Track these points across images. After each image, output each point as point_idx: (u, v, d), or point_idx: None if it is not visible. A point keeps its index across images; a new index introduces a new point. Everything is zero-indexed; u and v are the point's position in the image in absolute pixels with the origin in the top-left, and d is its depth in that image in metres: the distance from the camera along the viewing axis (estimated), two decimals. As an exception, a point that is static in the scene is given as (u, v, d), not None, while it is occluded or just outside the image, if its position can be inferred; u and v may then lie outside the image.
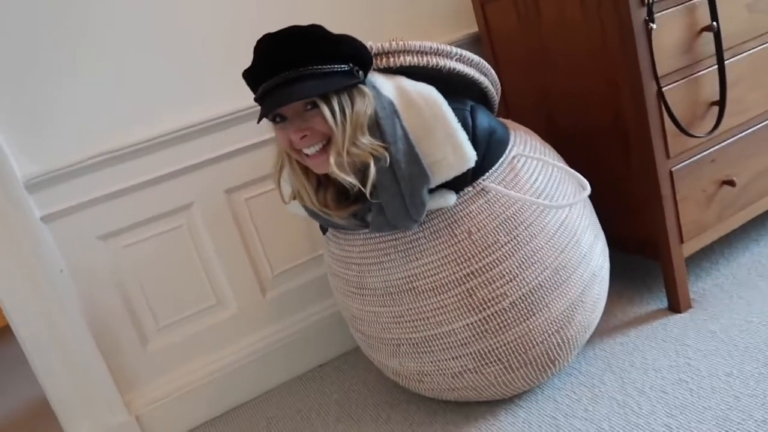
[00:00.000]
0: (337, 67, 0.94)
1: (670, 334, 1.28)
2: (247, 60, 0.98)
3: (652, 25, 1.14)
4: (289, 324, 1.56)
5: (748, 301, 1.32)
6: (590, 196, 1.24)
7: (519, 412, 1.18)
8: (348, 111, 0.95)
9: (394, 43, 1.07)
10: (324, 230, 1.25)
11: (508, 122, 1.27)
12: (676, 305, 1.35)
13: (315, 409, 1.40)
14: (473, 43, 1.62)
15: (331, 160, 0.96)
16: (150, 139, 1.35)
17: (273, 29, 0.95)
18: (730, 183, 1.33)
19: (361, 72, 0.98)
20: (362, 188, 0.99)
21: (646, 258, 1.41)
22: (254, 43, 0.96)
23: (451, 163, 1.00)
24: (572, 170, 1.14)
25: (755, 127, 1.35)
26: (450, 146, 1.00)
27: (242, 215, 1.49)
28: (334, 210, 1.06)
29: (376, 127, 0.98)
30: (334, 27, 0.98)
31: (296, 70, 0.93)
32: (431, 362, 1.12)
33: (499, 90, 1.25)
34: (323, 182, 1.07)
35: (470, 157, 1.01)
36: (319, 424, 1.33)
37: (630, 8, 1.14)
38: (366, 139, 0.97)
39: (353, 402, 1.38)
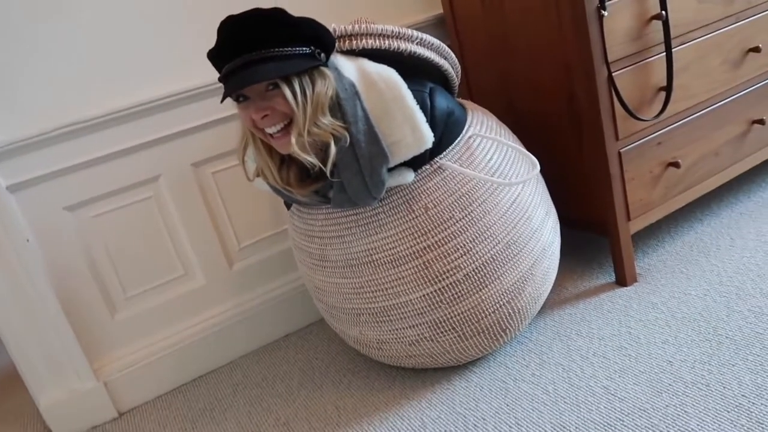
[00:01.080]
0: (298, 50, 0.98)
1: (615, 306, 1.37)
2: (213, 35, 1.00)
3: (603, 12, 1.20)
4: (256, 295, 1.61)
5: (688, 276, 1.41)
6: (544, 176, 1.31)
7: (472, 377, 1.26)
8: (308, 92, 0.99)
9: (356, 26, 1.10)
10: (288, 206, 1.30)
11: (468, 103, 1.32)
12: (622, 279, 1.44)
13: (279, 376, 1.45)
14: (438, 25, 1.66)
15: (293, 140, 1.00)
16: (118, 111, 1.36)
17: (239, 5, 0.98)
18: (676, 165, 1.41)
19: (322, 54, 1.02)
20: (323, 167, 1.03)
21: (596, 235, 1.49)
22: (220, 20, 0.99)
23: (409, 143, 1.05)
24: (524, 150, 1.20)
25: (700, 113, 1.43)
26: (408, 127, 1.04)
27: (209, 188, 1.52)
28: (297, 188, 1.10)
29: (337, 108, 1.02)
30: (300, 6, 1.01)
31: (258, 52, 0.96)
32: (390, 331, 1.18)
33: (460, 72, 1.29)
34: (286, 160, 1.11)
35: (428, 138, 1.06)
36: (283, 390, 1.39)
37: (583, -6, 1.20)
38: (326, 120, 1.01)
39: (316, 369, 1.44)
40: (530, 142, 1.34)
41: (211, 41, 1.01)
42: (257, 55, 0.96)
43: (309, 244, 1.22)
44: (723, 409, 1.00)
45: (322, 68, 1.01)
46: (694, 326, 1.23)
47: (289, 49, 0.97)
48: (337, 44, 1.09)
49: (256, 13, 0.96)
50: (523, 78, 1.45)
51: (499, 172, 1.17)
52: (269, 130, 1.03)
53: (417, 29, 1.60)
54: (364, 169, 1.04)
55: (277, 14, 0.97)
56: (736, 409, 0.99)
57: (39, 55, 1.30)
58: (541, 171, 1.20)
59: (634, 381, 1.12)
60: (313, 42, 1.00)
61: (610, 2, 1.22)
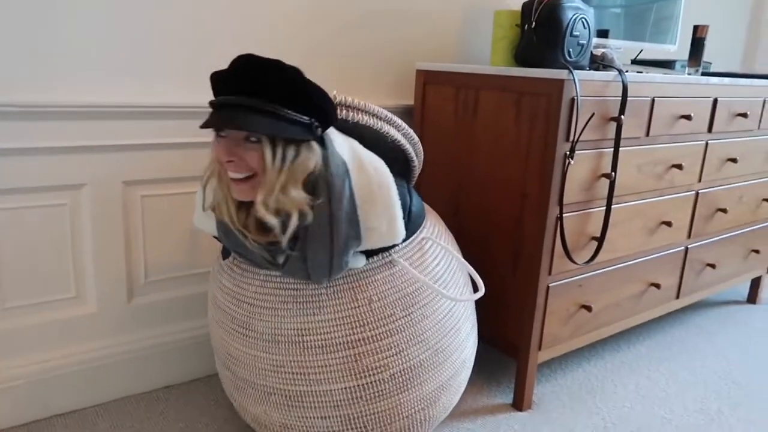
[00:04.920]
0: (299, 117, 0.96)
1: (510, 431, 1.40)
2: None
3: (570, 160, 1.30)
4: (147, 337, 1.47)
5: (576, 413, 1.49)
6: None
7: (364, 479, 1.21)
8: (288, 160, 0.96)
9: (357, 100, 1.10)
10: (225, 255, 1.21)
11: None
12: (519, 403, 1.48)
13: (153, 434, 1.32)
14: (404, 115, 1.70)
15: (259, 198, 0.96)
16: (62, 105, 1.24)
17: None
18: (588, 308, 1.51)
19: (319, 129, 1.00)
20: (281, 236, 0.99)
21: (504, 355, 1.54)
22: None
23: (382, 234, 1.05)
24: (472, 269, 1.23)
25: (616, 267, 1.56)
26: (386, 219, 1.04)
27: (133, 211, 1.40)
28: (254, 233, 1.04)
29: (320, 183, 0.99)
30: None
31: (260, 100, 0.93)
32: (298, 417, 1.12)
33: (421, 165, 1.31)
34: (246, 203, 1.05)
35: (401, 234, 1.06)
36: (156, 452, 1.26)
37: (557, 141, 1.29)
38: (296, 192, 0.97)
39: (197, 435, 1.32)
40: (468, 250, 1.38)
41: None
42: (258, 103, 0.93)
43: (235, 308, 1.14)
44: None
45: (312, 142, 0.99)
46: (580, 468, 1.28)
47: (291, 112, 0.94)
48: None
49: (276, 63, 0.93)
50: (476, 188, 1.51)
51: (442, 280, 1.18)
52: (231, 175, 0.99)
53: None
54: (335, 248, 1.01)
55: (296, 75, 0.94)
56: None
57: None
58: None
59: None
60: (317, 114, 0.98)
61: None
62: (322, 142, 1.00)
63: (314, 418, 1.12)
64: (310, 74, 1.57)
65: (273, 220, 0.98)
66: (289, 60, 0.97)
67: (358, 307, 1.09)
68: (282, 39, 1.50)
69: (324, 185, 0.99)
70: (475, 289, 1.20)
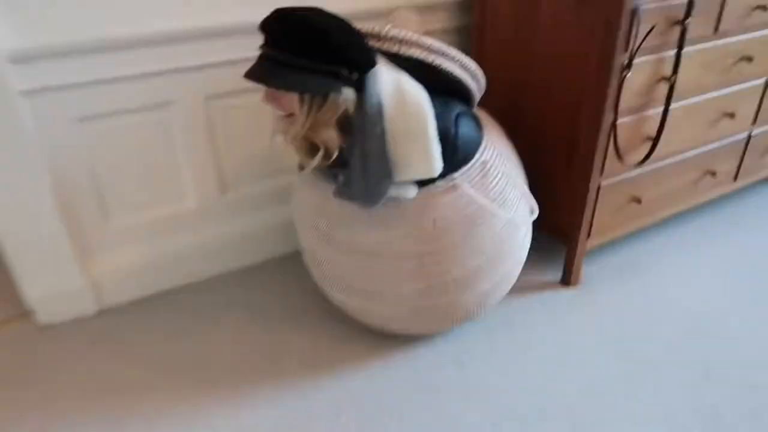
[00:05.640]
0: (327, 68, 1.05)
1: (559, 304, 1.61)
2: None
3: (628, 72, 1.31)
4: (241, 223, 1.73)
5: (621, 289, 1.66)
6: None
7: (428, 347, 1.48)
8: (315, 107, 1.09)
9: (409, 33, 1.15)
10: (301, 167, 1.37)
11: (482, 117, 1.41)
12: (568, 281, 1.68)
13: (259, 306, 1.62)
14: (464, 9, 1.69)
15: (287, 137, 1.14)
16: (145, 35, 1.36)
17: None
18: (638, 201, 1.61)
19: (355, 73, 1.08)
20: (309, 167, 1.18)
21: (556, 240, 1.70)
22: None
23: (418, 169, 1.16)
24: (528, 192, 1.35)
25: (666, 161, 1.62)
26: (423, 156, 1.14)
27: (218, 120, 1.57)
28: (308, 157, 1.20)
29: (359, 124, 1.10)
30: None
31: (288, 55, 1.03)
32: (375, 306, 1.37)
33: (483, 89, 1.37)
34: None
35: (437, 170, 1.16)
36: (263, 322, 1.57)
37: (615, 50, 1.30)
38: (325, 133, 1.12)
39: (294, 307, 1.61)
40: (527, 148, 1.48)
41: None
42: (286, 58, 1.03)
43: (317, 219, 1.32)
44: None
45: (343, 88, 1.08)
46: (614, 334, 1.49)
47: (317, 65, 1.04)
48: (385, 45, 1.15)
49: (307, 19, 1.02)
50: (535, 89, 1.55)
51: (500, 198, 1.31)
52: (276, 112, 1.14)
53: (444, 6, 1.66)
54: (369, 183, 1.15)
55: (327, 31, 1.02)
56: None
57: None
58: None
59: (563, 377, 1.38)
60: (349, 65, 1.06)
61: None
62: (361, 83, 1.09)
63: (388, 306, 1.36)
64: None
65: (299, 154, 1.18)
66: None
67: (424, 227, 1.25)
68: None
69: (359, 126, 1.10)
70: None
